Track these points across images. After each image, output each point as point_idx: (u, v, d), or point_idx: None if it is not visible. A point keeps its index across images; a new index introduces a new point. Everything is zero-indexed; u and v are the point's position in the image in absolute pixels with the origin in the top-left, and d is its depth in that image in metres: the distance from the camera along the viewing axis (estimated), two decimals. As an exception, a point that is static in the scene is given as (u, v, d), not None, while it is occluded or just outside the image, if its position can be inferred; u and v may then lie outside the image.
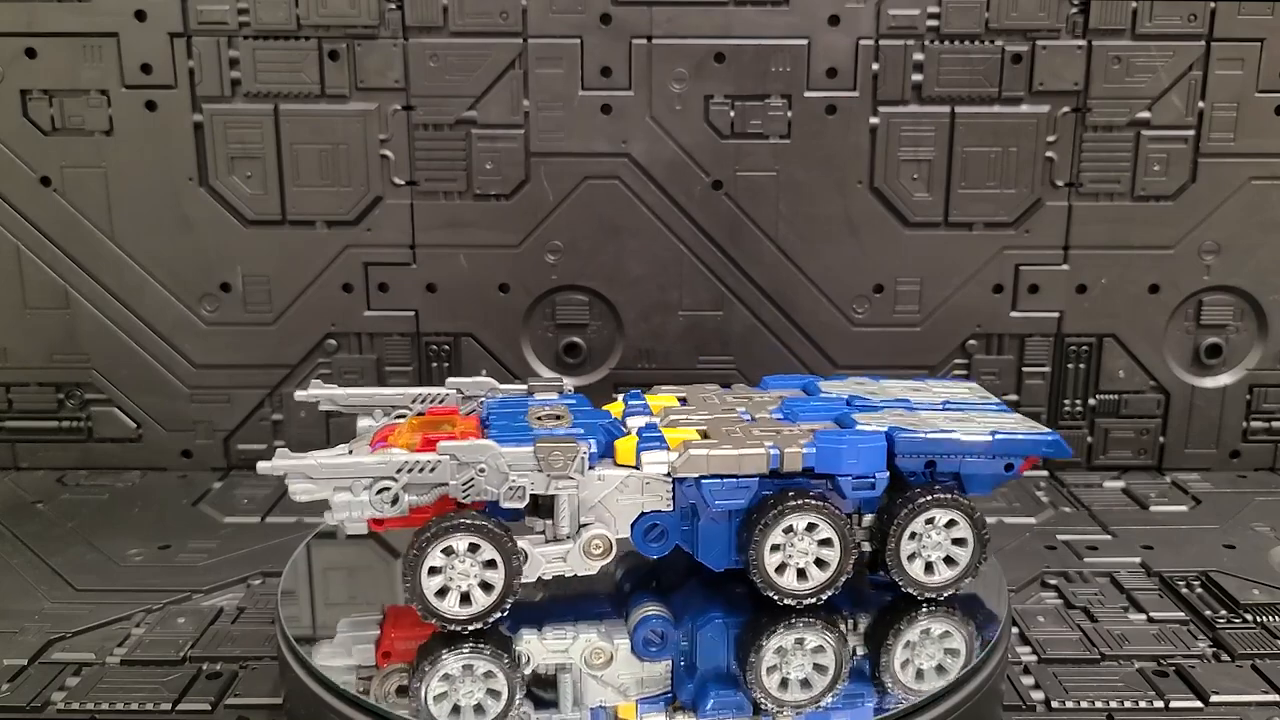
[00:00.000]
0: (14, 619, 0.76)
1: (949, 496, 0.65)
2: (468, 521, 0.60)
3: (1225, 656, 0.72)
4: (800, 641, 0.62)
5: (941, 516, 0.65)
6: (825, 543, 0.63)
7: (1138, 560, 0.86)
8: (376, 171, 0.99)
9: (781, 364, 1.03)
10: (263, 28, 0.96)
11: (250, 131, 0.98)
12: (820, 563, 0.63)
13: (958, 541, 0.66)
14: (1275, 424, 1.05)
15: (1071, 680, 0.70)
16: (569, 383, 0.74)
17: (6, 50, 0.97)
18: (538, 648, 0.62)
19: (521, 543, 0.61)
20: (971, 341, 1.03)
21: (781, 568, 0.63)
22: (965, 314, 1.03)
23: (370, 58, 0.97)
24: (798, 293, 1.02)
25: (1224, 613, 0.78)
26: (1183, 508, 0.97)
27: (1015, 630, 0.75)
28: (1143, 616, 0.78)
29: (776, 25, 0.97)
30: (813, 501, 0.62)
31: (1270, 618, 0.77)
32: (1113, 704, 0.67)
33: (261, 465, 0.61)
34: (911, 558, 0.65)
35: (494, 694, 0.58)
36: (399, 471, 0.60)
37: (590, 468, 0.62)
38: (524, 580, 0.61)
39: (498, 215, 1.00)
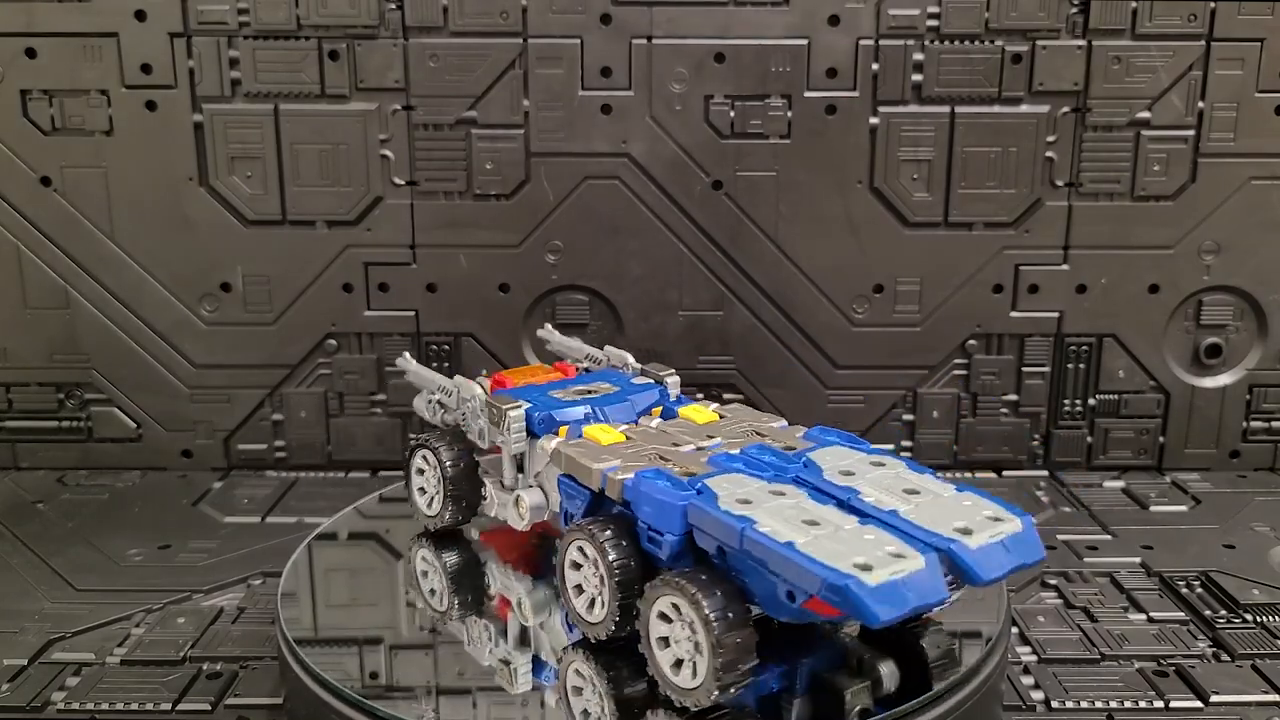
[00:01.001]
0: (14, 619, 0.77)
1: (679, 581, 0.53)
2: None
3: (1225, 656, 0.72)
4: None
5: (670, 601, 0.54)
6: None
7: (1138, 560, 0.86)
8: (376, 171, 0.99)
9: (781, 364, 1.03)
10: (263, 28, 0.96)
11: (250, 131, 0.98)
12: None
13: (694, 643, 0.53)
14: (1275, 424, 1.05)
15: (1071, 680, 0.70)
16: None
17: (6, 50, 0.97)
18: None
19: (487, 480, 0.71)
20: (971, 341, 1.03)
21: (579, 590, 0.60)
22: (965, 314, 1.03)
23: (370, 58, 0.97)
24: (798, 293, 1.02)
25: (1224, 613, 0.78)
26: (1183, 508, 0.97)
27: (1015, 630, 0.75)
28: (1143, 616, 0.78)
29: (776, 25, 0.97)
30: (594, 530, 0.58)
31: (1270, 618, 0.77)
32: (1113, 704, 0.67)
33: (398, 361, 0.84)
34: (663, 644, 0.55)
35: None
36: (437, 389, 0.76)
37: (534, 435, 0.66)
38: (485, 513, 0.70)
39: (498, 215, 1.00)
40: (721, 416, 0.69)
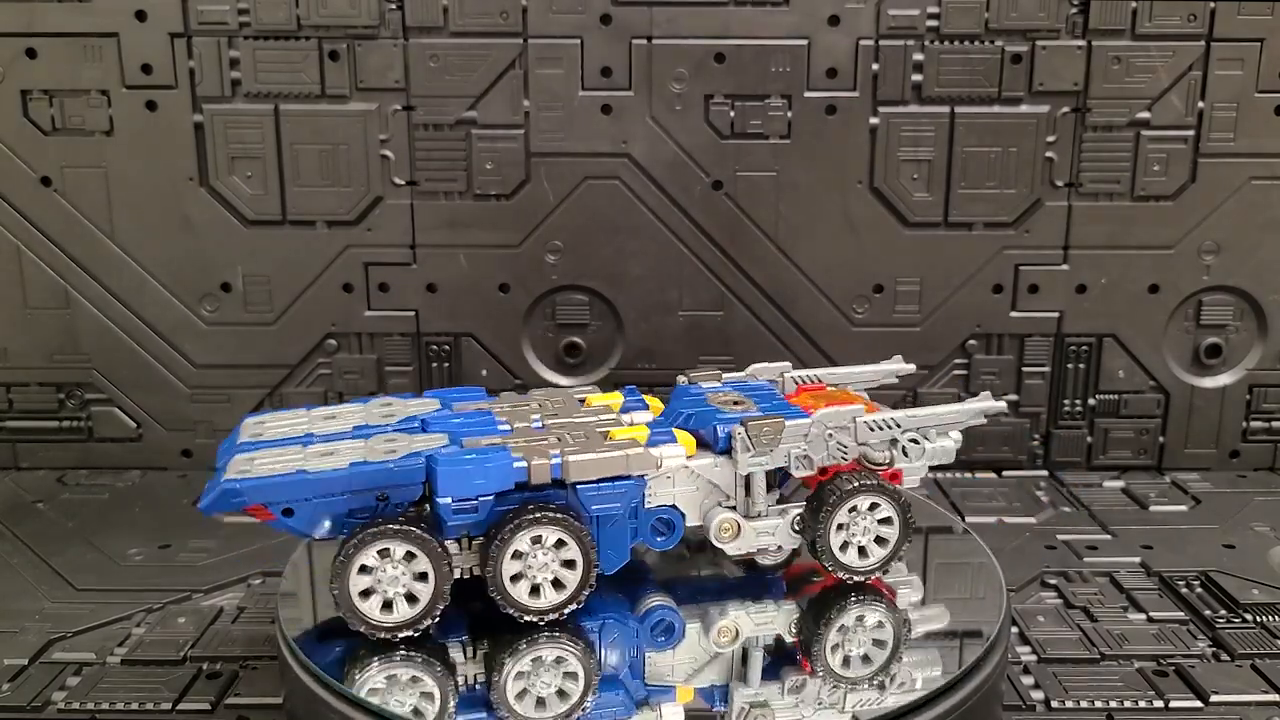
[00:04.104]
0: (14, 619, 0.77)
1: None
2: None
3: (1225, 656, 0.72)
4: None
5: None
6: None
7: (1137, 560, 0.86)
8: (376, 171, 0.99)
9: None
10: (263, 28, 0.96)
11: (250, 131, 0.98)
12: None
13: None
14: (1275, 424, 1.05)
15: (1071, 680, 0.70)
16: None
17: (6, 50, 0.97)
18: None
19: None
20: (971, 341, 1.03)
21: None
22: (965, 314, 1.03)
23: (370, 58, 0.97)
24: (798, 293, 1.02)
25: (1224, 612, 0.78)
26: (1182, 508, 0.97)
27: (1015, 630, 0.75)
28: (1142, 616, 0.78)
29: (776, 25, 0.97)
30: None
31: (1270, 617, 0.77)
32: (1112, 704, 0.67)
33: None
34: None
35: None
36: None
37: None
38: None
39: (498, 215, 1.00)
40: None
